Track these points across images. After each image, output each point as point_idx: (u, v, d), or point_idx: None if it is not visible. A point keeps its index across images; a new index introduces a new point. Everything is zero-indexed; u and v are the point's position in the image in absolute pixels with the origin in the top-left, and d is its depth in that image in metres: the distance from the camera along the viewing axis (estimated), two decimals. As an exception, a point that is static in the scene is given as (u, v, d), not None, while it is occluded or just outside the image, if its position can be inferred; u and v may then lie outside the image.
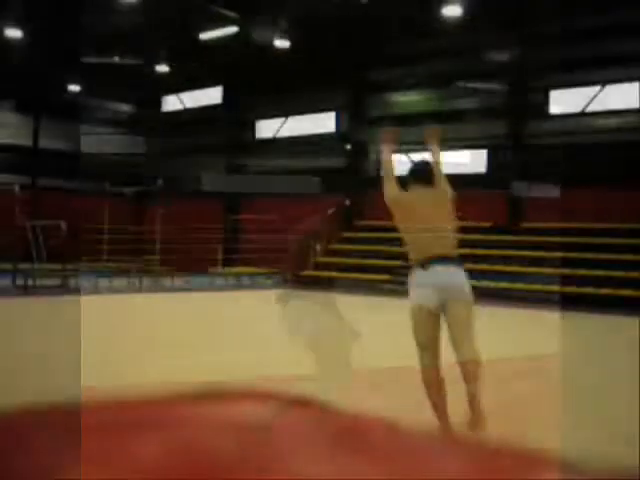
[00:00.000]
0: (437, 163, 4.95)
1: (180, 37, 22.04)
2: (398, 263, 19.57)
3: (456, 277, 4.50)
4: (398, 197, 4.82)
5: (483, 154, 21.32)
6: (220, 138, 27.49)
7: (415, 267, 4.56)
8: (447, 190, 4.81)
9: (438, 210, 4.71)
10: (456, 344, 4.41)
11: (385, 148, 5.10)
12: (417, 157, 21.40)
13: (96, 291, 16.70)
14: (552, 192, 19.58)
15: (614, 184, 18.35)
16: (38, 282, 15.96)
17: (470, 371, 4.27)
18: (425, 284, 4.44)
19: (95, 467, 0.34)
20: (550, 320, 12.52)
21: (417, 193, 4.83)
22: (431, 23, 19.52)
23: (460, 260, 4.69)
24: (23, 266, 17.93)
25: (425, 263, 4.47)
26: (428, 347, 4.43)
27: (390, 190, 4.81)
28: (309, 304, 4.97)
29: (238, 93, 27.29)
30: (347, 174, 23.64)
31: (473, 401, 4.23)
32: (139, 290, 17.48)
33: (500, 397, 5.52)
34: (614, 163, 18.54)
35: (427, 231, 4.52)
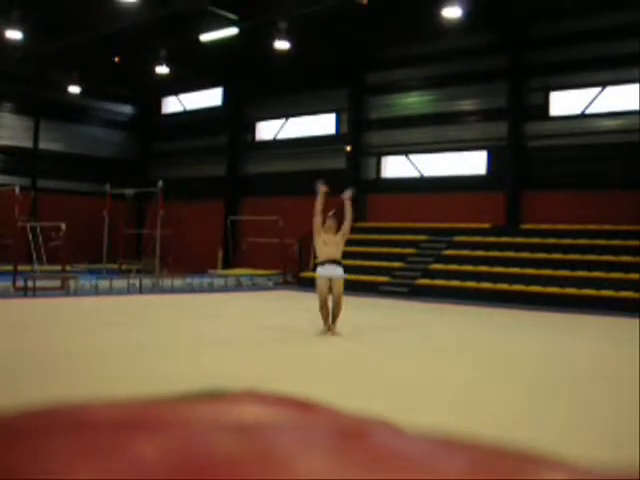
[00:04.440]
0: (348, 219, 9.81)
1: (180, 38, 22.04)
2: (399, 264, 19.56)
3: (338, 269, 9.81)
4: (318, 229, 9.85)
5: (483, 156, 21.30)
6: (220, 140, 27.49)
7: (320, 263, 9.95)
8: (345, 233, 9.89)
9: (336, 240, 9.81)
10: (335, 296, 9.73)
11: (320, 195, 9.72)
12: (417, 158, 21.42)
13: (96, 293, 16.69)
14: (552, 194, 19.60)
15: (614, 186, 18.37)
16: (38, 284, 15.93)
17: (337, 305, 9.77)
18: (324, 270, 9.81)
19: (93, 468, 0.35)
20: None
21: (327, 234, 9.84)
22: (431, 24, 19.52)
23: (341, 262, 9.85)
24: (23, 267, 17.92)
25: (324, 262, 9.84)
26: (324, 293, 9.73)
27: (315, 223, 9.81)
28: None
29: (238, 95, 27.29)
30: (347, 176, 23.62)
31: (335, 317, 9.81)
32: (139, 291, 17.46)
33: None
34: (614, 165, 18.54)
35: (326, 247, 9.78)
